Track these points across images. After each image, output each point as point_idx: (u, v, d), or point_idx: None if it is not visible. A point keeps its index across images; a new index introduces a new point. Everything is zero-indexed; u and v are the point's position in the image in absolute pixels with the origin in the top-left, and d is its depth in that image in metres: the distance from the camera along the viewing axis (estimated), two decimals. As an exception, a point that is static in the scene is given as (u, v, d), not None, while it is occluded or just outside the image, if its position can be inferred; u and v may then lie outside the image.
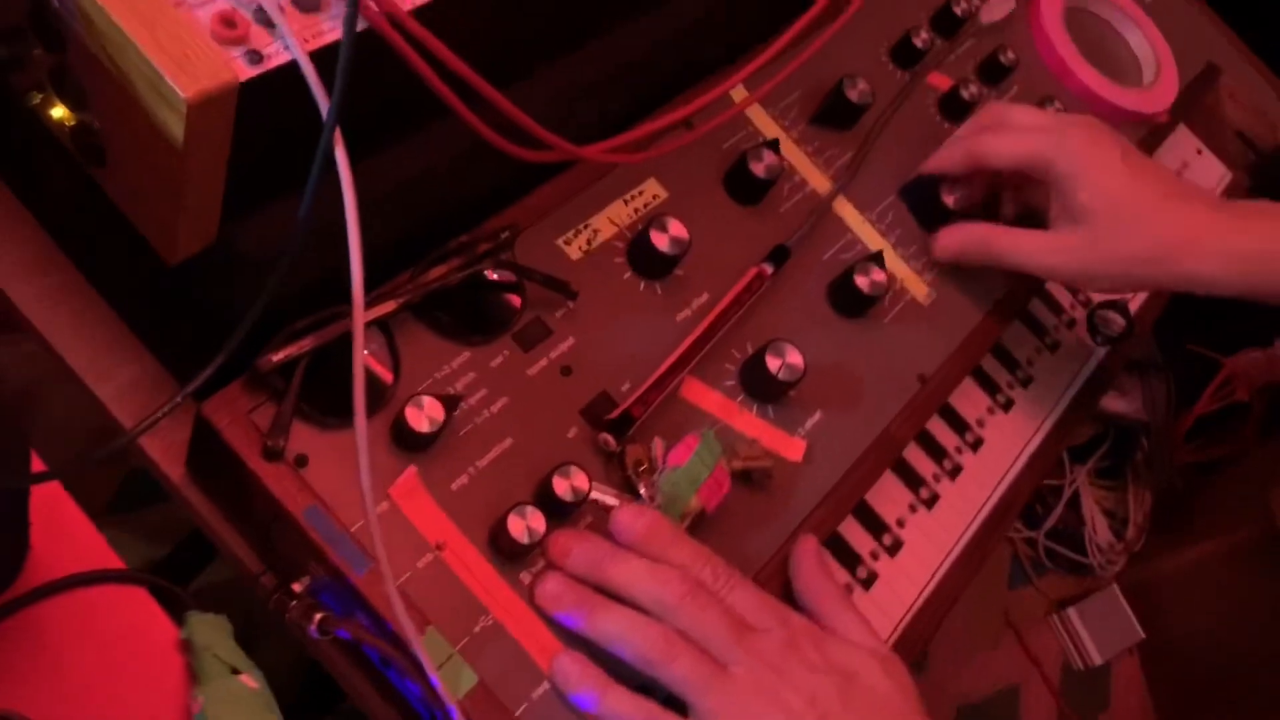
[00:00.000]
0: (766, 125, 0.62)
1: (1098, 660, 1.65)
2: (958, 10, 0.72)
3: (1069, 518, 1.75)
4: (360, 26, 0.36)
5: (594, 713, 0.43)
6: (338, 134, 0.36)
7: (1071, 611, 1.67)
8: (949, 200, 0.63)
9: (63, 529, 0.42)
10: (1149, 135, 0.78)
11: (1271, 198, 0.61)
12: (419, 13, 0.38)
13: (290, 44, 0.35)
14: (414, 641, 0.40)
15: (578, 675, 0.43)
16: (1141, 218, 0.59)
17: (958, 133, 0.65)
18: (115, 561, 0.42)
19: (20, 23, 0.37)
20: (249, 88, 0.35)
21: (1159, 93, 0.78)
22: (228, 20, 0.35)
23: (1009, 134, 0.61)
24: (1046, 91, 0.73)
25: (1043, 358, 0.68)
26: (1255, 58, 0.97)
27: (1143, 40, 0.80)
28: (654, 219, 0.53)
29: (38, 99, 0.40)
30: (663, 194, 0.56)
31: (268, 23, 0.36)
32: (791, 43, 0.57)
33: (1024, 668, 1.62)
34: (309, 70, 0.35)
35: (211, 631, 0.41)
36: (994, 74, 0.72)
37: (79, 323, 0.48)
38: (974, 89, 0.69)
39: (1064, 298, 0.71)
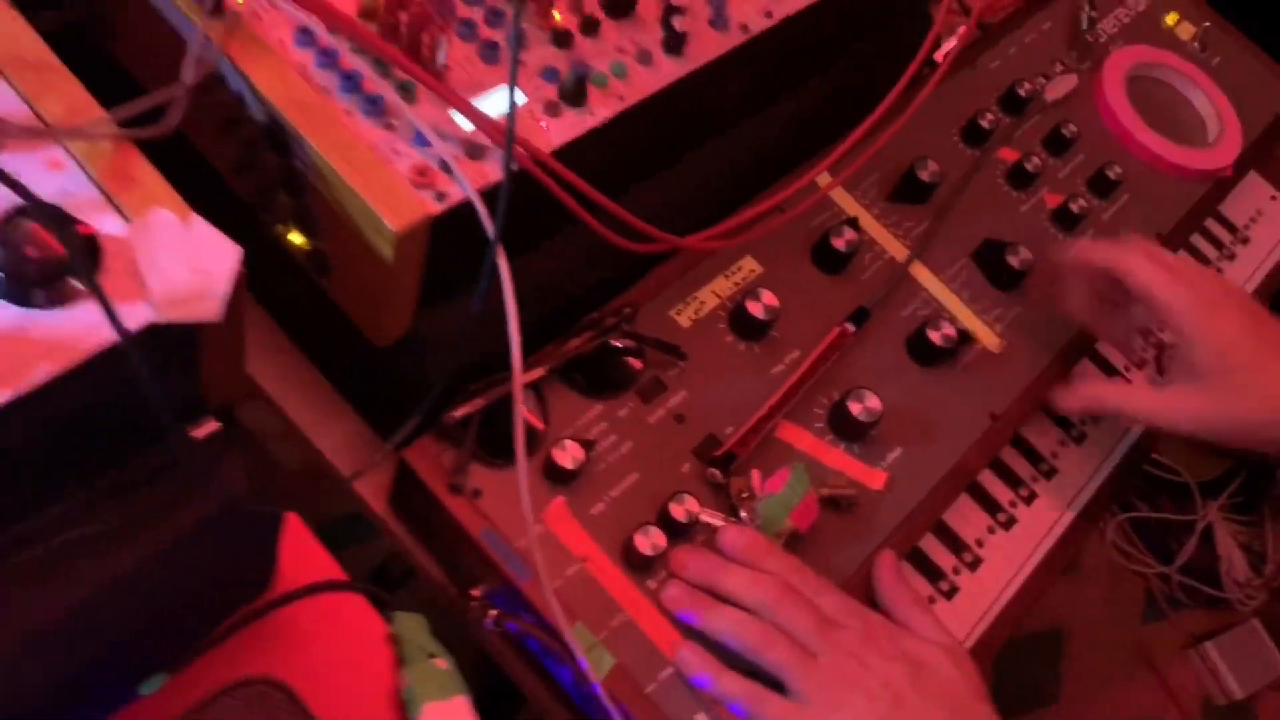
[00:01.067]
0: (848, 204, 0.72)
1: (1239, 695, 1.64)
2: (1022, 91, 0.81)
3: (1203, 553, 1.75)
4: (514, 168, 0.49)
5: (709, 691, 0.53)
6: (500, 248, 0.48)
7: (1210, 646, 1.67)
8: (1014, 263, 0.72)
9: (301, 552, 0.55)
10: (1214, 188, 0.85)
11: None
12: (557, 153, 0.51)
13: (464, 186, 0.48)
14: (566, 632, 0.52)
15: (696, 662, 0.53)
16: (1259, 385, 0.60)
17: (1107, 245, 0.67)
18: (341, 576, 0.55)
19: (273, 180, 0.51)
20: (437, 219, 0.47)
21: (1222, 150, 0.85)
22: (420, 170, 0.48)
23: (1151, 266, 0.63)
24: (1110, 158, 0.81)
25: (1111, 389, 0.75)
26: None
27: (1206, 101, 0.87)
28: (750, 290, 0.64)
29: (280, 229, 0.53)
30: (758, 268, 0.67)
31: (447, 169, 0.48)
32: (868, 132, 0.67)
33: (1161, 702, 1.62)
34: (479, 204, 0.47)
35: (413, 626, 0.54)
36: (1058, 146, 0.80)
37: (303, 391, 0.62)
38: (1038, 160, 0.77)
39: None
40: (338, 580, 0.54)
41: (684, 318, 0.64)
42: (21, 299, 0.37)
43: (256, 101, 0.48)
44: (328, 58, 0.49)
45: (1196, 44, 0.93)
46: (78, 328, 0.37)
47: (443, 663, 0.53)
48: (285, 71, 0.48)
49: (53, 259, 0.37)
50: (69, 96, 0.42)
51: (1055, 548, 0.68)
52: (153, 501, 0.43)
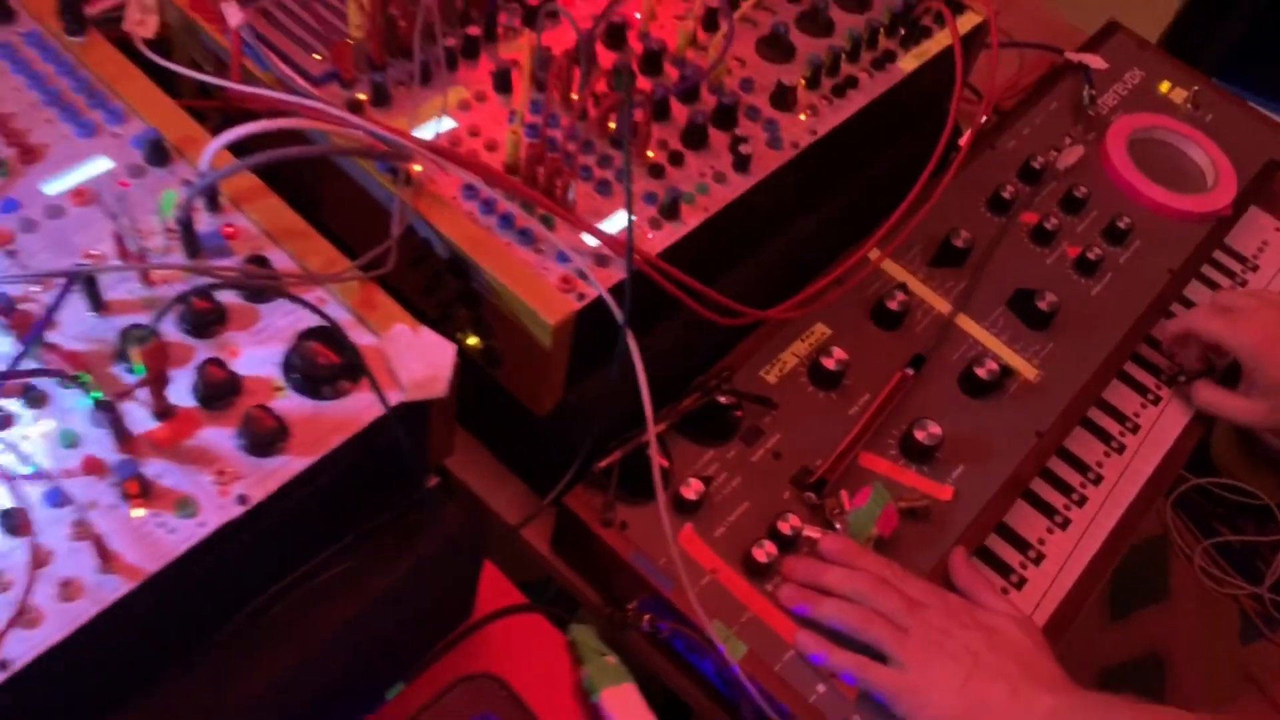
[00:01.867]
0: (896, 272, 0.86)
1: (1347, 706, 1.66)
2: (1037, 164, 0.95)
3: (1295, 571, 1.79)
4: (632, 269, 0.64)
5: (825, 666, 0.66)
6: (629, 331, 0.63)
7: (1311, 660, 1.70)
8: (1043, 306, 0.85)
9: (490, 584, 0.70)
10: (1216, 227, 0.97)
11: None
12: (662, 255, 0.66)
13: (597, 287, 0.63)
14: (707, 627, 0.65)
15: (812, 643, 0.66)
16: None
17: (1190, 313, 0.88)
18: (525, 601, 0.69)
19: (452, 298, 0.67)
20: (579, 313, 0.63)
21: (1219, 193, 0.97)
22: (564, 279, 0.64)
23: (1215, 321, 0.85)
24: (1119, 210, 0.94)
25: (1147, 411, 0.87)
26: None
27: (1201, 153, 1.00)
28: (823, 349, 0.78)
29: (459, 336, 0.69)
30: (828, 331, 0.81)
31: (583, 276, 0.64)
32: (906, 213, 0.81)
33: (1270, 718, 1.65)
34: (609, 299, 0.63)
35: (585, 632, 0.68)
36: (1073, 206, 0.94)
37: (473, 464, 0.77)
38: (1056, 220, 0.91)
39: (1159, 361, 0.90)
40: (525, 604, 0.69)
41: (771, 376, 0.78)
42: (314, 394, 0.53)
43: (441, 241, 0.65)
44: (488, 205, 0.66)
45: (1189, 105, 1.06)
46: (353, 410, 0.53)
47: (612, 659, 0.67)
48: (459, 218, 0.65)
49: (334, 365, 0.53)
50: (323, 252, 0.58)
51: (1108, 541, 0.79)
52: (397, 539, 0.59)
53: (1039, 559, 0.77)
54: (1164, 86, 1.07)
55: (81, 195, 0.58)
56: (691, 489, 0.70)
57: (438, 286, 0.68)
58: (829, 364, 0.77)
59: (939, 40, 0.86)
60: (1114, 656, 1.69)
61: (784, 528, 0.70)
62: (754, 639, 0.67)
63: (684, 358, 0.75)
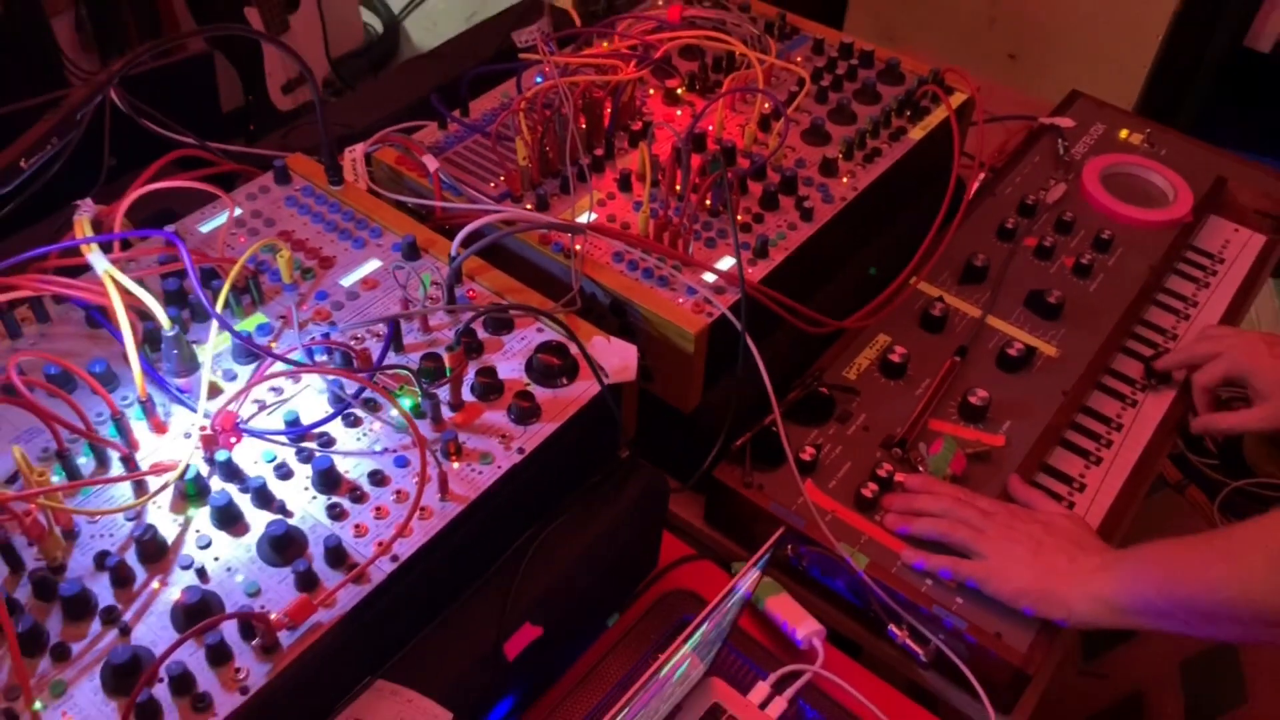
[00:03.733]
0: (932, 290, 1.10)
1: None
2: (1030, 201, 1.20)
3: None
4: (743, 293, 0.89)
5: (926, 568, 0.87)
6: (748, 336, 0.87)
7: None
8: (1052, 300, 1.08)
9: (667, 547, 0.92)
10: (1182, 231, 1.21)
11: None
12: (763, 281, 0.91)
13: (720, 306, 0.88)
14: (836, 547, 0.87)
15: (913, 554, 0.87)
16: None
17: (1177, 349, 1.08)
18: (693, 552, 0.91)
19: (616, 332, 0.92)
20: (710, 326, 0.87)
21: (1179, 205, 1.21)
22: (696, 305, 0.88)
23: (1204, 370, 1.03)
24: (1102, 227, 1.18)
25: (1151, 380, 1.09)
26: (1246, 158, 1.36)
27: (1160, 177, 1.25)
28: (887, 349, 1.02)
29: (619, 364, 0.94)
30: (888, 339, 1.05)
31: (709, 302, 0.89)
32: (932, 245, 1.06)
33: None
34: (729, 314, 0.87)
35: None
36: (1064, 228, 1.18)
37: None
38: (1052, 239, 1.15)
39: (1165, 323, 1.12)
40: (697, 554, 0.91)
41: (851, 374, 1.02)
42: (550, 385, 0.77)
43: (604, 292, 0.90)
44: (632, 264, 0.92)
45: (1146, 144, 1.31)
46: (577, 393, 0.77)
47: (768, 579, 0.88)
48: (614, 274, 0.91)
49: (561, 364, 0.78)
50: (536, 300, 0.84)
51: (1134, 472, 1.00)
52: (609, 492, 0.82)
53: (1081, 488, 0.98)
54: (1123, 133, 1.33)
55: (368, 283, 0.84)
56: (807, 453, 0.93)
57: (604, 327, 0.93)
58: (895, 359, 1.01)
59: (938, 115, 1.13)
60: (1192, 647, 1.83)
61: (881, 472, 0.92)
62: (872, 554, 0.88)
63: (786, 364, 0.99)
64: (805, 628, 0.83)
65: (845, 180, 1.03)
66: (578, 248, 0.92)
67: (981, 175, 1.24)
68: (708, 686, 0.79)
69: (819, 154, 1.05)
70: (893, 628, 0.86)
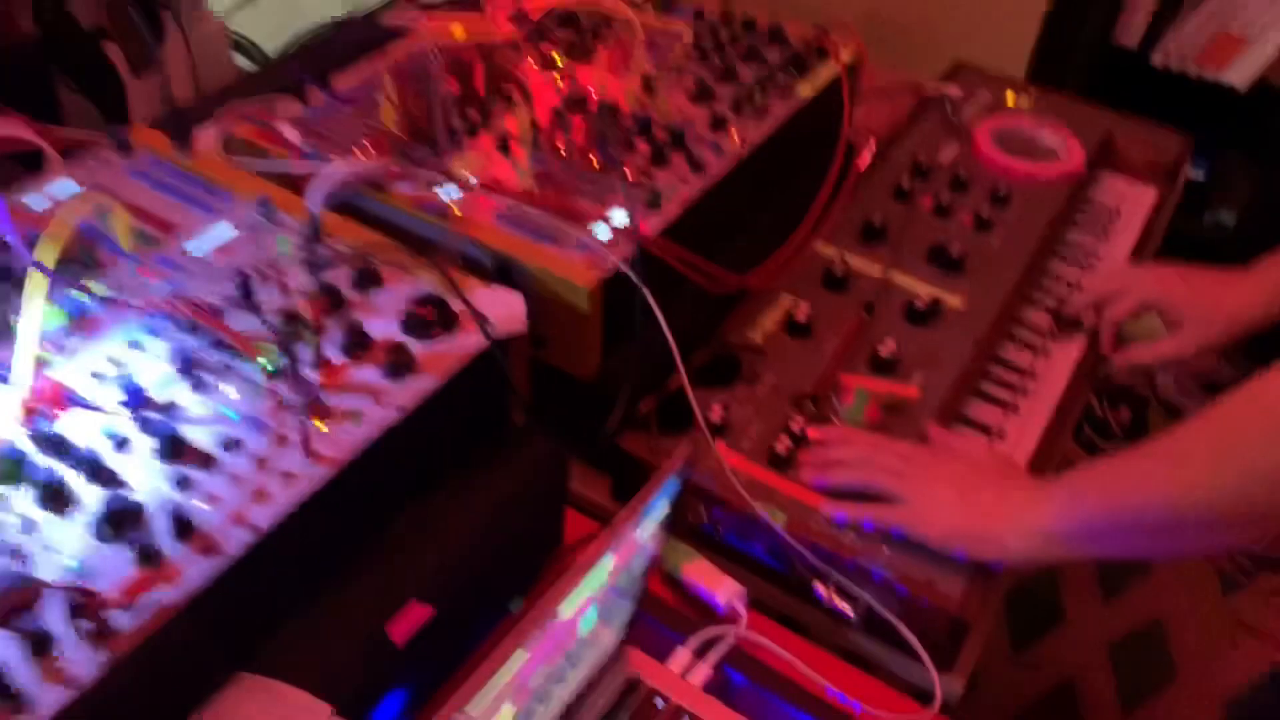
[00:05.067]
0: (834, 251, 1.06)
1: (1333, 625, 1.80)
2: (923, 163, 1.18)
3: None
4: (638, 246, 0.83)
5: (848, 520, 0.81)
6: (647, 291, 0.81)
7: (1292, 594, 1.84)
8: (954, 253, 1.05)
9: (572, 524, 0.85)
10: (1077, 185, 1.20)
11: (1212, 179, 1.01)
12: (663, 233, 0.86)
13: (614, 259, 0.82)
14: (752, 504, 0.81)
15: (833, 506, 0.82)
16: (1208, 305, 0.98)
17: (1085, 292, 1.06)
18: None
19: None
20: (606, 280, 0.81)
21: (1071, 160, 1.21)
22: (588, 260, 0.82)
23: (1114, 305, 1.02)
24: (995, 185, 1.16)
25: (1061, 327, 1.06)
26: (1131, 115, 1.37)
27: (1049, 133, 1.24)
28: (791, 308, 0.97)
29: (508, 333, 0.87)
30: (793, 299, 1.01)
31: (603, 256, 0.83)
32: (827, 206, 1.02)
33: (1269, 652, 1.78)
34: (624, 267, 0.82)
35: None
36: (960, 186, 1.16)
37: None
38: (947, 196, 1.13)
39: (1069, 275, 1.10)
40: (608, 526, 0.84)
41: (757, 335, 0.97)
42: (428, 338, 0.70)
43: (487, 254, 0.84)
44: (516, 223, 0.85)
45: (1033, 107, 1.31)
46: (460, 347, 0.70)
47: (685, 546, 0.82)
48: (498, 233, 0.84)
49: (438, 317, 0.71)
50: (406, 255, 0.77)
51: (1054, 417, 0.97)
52: (503, 463, 0.74)
53: (1001, 436, 0.94)
54: (1010, 97, 1.32)
55: (220, 250, 0.76)
56: (716, 413, 0.87)
57: (487, 293, 0.86)
58: (800, 317, 0.96)
59: (826, 72, 1.10)
60: (1119, 630, 1.82)
61: (794, 426, 0.87)
62: (790, 512, 0.82)
63: (689, 328, 0.93)
64: (725, 590, 0.76)
65: (736, 136, 0.98)
66: (457, 212, 0.85)
67: (873, 143, 1.21)
68: (623, 657, 0.72)
69: (707, 112, 1.00)
70: (818, 586, 0.80)
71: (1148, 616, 1.85)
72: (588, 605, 0.62)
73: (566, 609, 0.57)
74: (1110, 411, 2.14)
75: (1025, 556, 0.76)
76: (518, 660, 0.54)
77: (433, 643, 0.68)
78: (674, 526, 0.85)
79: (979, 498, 0.79)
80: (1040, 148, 1.24)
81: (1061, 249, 1.16)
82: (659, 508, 0.63)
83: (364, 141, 0.93)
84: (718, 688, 0.73)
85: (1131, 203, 1.25)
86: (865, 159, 1.19)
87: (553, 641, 0.59)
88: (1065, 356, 1.03)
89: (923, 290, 1.03)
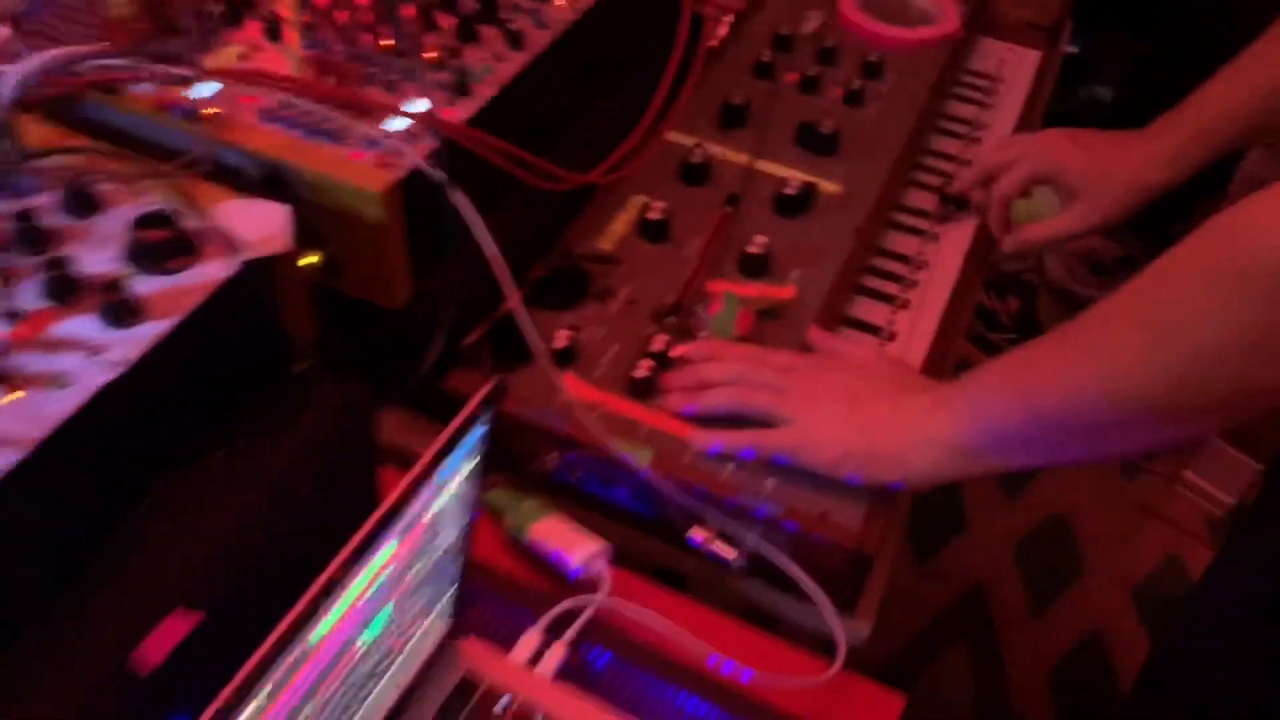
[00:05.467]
0: (687, 139, 0.93)
1: (1231, 501, 1.79)
2: (785, 32, 1.04)
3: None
4: (442, 137, 0.68)
5: (724, 451, 0.69)
6: (461, 196, 0.66)
7: (1189, 474, 1.82)
8: (825, 131, 0.93)
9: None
10: (957, 49, 1.08)
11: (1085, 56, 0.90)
12: (475, 121, 0.70)
13: (412, 155, 0.66)
14: (609, 444, 0.67)
15: (705, 436, 0.69)
16: (1107, 172, 0.88)
17: (972, 166, 0.95)
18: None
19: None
20: (404, 181, 0.66)
21: (947, 22, 1.09)
22: (380, 160, 0.67)
23: (1003, 177, 0.92)
24: (865, 54, 1.04)
25: (947, 207, 0.95)
26: None
27: (922, -3, 1.12)
28: (643, 210, 0.83)
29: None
30: (647, 199, 0.87)
31: (397, 152, 0.67)
32: (677, 87, 0.88)
33: (1174, 537, 1.76)
34: (425, 166, 0.66)
35: (499, 494, 0.69)
36: (828, 57, 1.03)
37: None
38: (815, 70, 1.00)
39: (953, 150, 0.99)
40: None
41: (607, 243, 0.83)
42: (161, 271, 0.54)
43: (252, 161, 0.67)
44: (289, 121, 0.69)
45: (901, -30, 1.18)
46: (203, 277, 0.54)
47: (531, 502, 0.68)
48: (264, 134, 0.67)
49: (169, 241, 0.54)
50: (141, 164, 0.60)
51: (949, 308, 0.86)
52: (281, 420, 0.59)
53: (892, 336, 0.83)
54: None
55: (-123, 176, 0.58)
56: (561, 339, 0.73)
57: (263, 213, 0.70)
58: (654, 215, 0.83)
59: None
60: (1023, 528, 1.77)
61: (656, 345, 0.73)
62: (656, 445, 0.69)
63: (523, 239, 0.78)
64: (582, 551, 0.63)
65: (561, 2, 0.83)
66: (209, 110, 0.68)
67: (728, 19, 1.07)
68: (452, 653, 0.58)
69: (526, -20, 0.84)
70: (694, 532, 0.67)
71: (1051, 511, 1.80)
72: (365, 611, 0.48)
73: (319, 633, 0.43)
74: (998, 301, 2.07)
75: (930, 475, 0.65)
76: (256, 701, 0.40)
77: (217, 652, 0.54)
78: (518, 477, 0.72)
79: (872, 411, 0.67)
80: (912, 11, 1.12)
81: (942, 122, 1.04)
82: (461, 462, 0.49)
83: (98, 37, 0.74)
84: (576, 670, 0.60)
85: (1013, 67, 1.14)
86: (721, 31, 1.05)
87: (312, 671, 0.45)
88: (956, 241, 0.92)
89: (793, 176, 0.91)
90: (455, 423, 0.47)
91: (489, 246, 0.67)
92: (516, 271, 0.76)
